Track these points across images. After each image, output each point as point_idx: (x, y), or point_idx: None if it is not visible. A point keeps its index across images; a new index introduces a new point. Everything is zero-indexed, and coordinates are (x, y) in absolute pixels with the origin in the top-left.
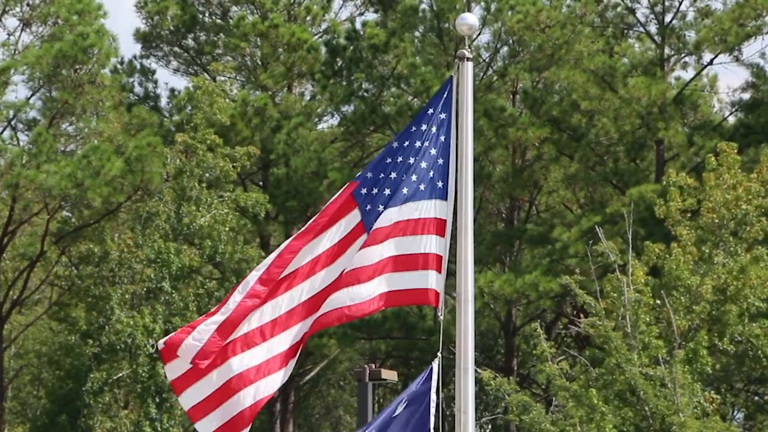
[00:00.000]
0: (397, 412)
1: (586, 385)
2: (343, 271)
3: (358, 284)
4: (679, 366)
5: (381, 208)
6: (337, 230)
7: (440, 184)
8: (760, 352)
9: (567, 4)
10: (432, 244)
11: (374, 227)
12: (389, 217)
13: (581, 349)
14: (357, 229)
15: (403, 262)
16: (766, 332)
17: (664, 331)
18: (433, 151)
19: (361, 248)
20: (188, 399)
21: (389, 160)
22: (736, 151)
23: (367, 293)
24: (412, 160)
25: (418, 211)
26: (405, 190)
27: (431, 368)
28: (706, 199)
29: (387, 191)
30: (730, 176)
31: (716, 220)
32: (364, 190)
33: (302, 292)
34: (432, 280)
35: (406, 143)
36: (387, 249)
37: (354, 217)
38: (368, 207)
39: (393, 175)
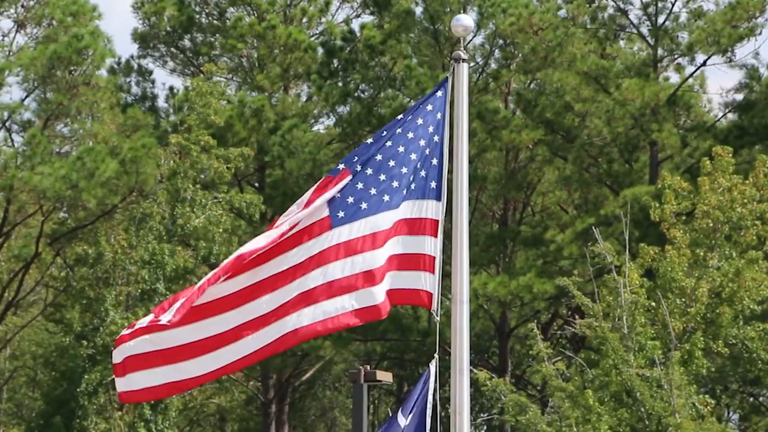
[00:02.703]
0: (402, 422)
1: (582, 386)
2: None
3: (343, 294)
4: (676, 367)
5: (365, 205)
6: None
7: (433, 184)
8: (755, 354)
9: (559, 6)
10: (426, 244)
11: (369, 231)
12: (384, 219)
13: (577, 350)
14: (322, 223)
15: (397, 262)
16: (761, 335)
17: (659, 333)
18: (427, 151)
19: (348, 255)
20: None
21: (380, 158)
22: (730, 154)
23: (346, 305)
24: (410, 154)
25: (410, 211)
26: (396, 185)
27: (428, 371)
28: (701, 203)
29: (373, 190)
30: (725, 180)
31: (711, 224)
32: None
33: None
34: (426, 281)
35: (399, 133)
36: (383, 250)
37: (322, 210)
38: (344, 200)
39: (382, 177)
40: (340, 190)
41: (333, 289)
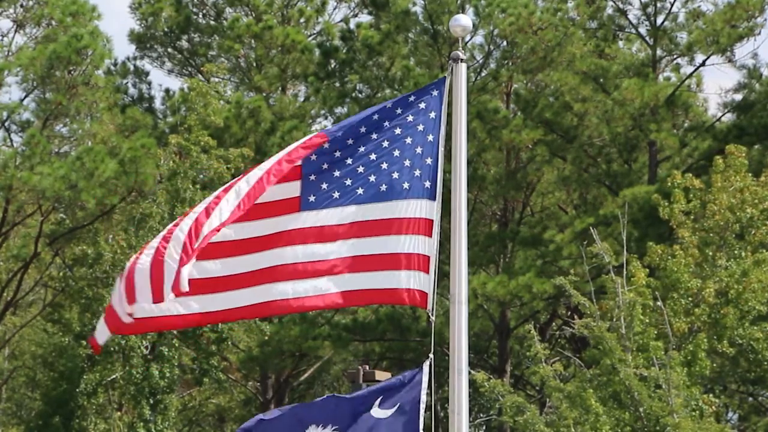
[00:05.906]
0: (379, 414)
1: (582, 387)
2: (289, 262)
3: (311, 278)
4: (679, 369)
5: (337, 195)
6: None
7: (427, 184)
8: (760, 355)
9: (557, 7)
10: (418, 244)
11: (344, 221)
12: (362, 212)
13: (575, 350)
14: (291, 203)
15: (381, 261)
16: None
17: (662, 333)
18: (419, 150)
19: (321, 240)
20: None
21: (362, 149)
22: (744, 154)
23: (321, 288)
24: (393, 150)
25: (403, 210)
26: (383, 187)
27: (420, 369)
28: (711, 202)
29: (348, 181)
30: (740, 178)
31: (721, 223)
32: (314, 157)
33: (243, 262)
34: (417, 280)
35: (385, 126)
36: (362, 246)
37: (293, 188)
38: (317, 185)
39: (360, 168)
40: (316, 173)
41: (289, 273)
